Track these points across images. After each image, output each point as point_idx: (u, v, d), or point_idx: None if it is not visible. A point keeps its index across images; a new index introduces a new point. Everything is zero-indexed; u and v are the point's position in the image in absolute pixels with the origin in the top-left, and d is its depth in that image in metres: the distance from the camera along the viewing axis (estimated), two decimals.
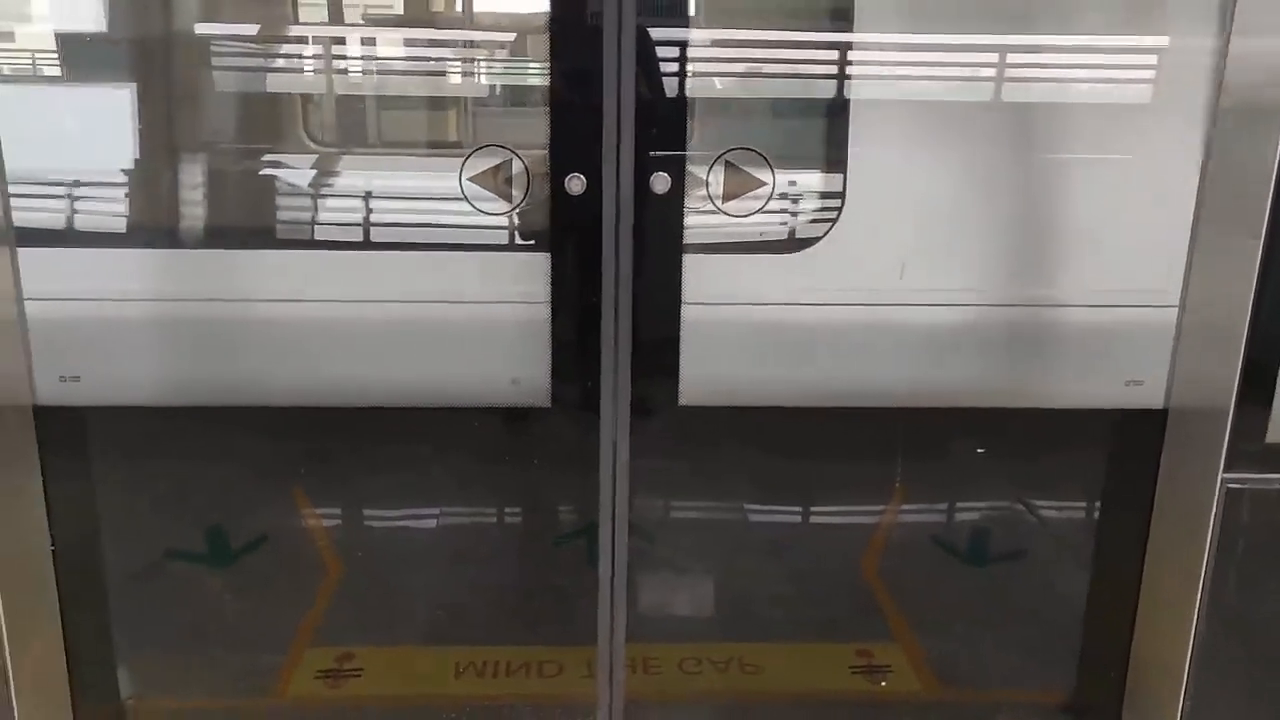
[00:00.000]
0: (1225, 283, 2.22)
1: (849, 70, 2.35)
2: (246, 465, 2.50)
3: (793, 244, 2.43)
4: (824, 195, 2.44)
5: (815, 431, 2.51)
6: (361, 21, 2.67)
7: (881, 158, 2.34)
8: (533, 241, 2.35)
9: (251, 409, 2.38)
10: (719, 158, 2.30)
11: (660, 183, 2.24)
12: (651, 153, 2.25)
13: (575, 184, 2.22)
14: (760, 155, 2.33)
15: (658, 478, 2.51)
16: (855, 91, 2.35)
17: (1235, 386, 2.20)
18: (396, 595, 2.62)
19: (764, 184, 2.34)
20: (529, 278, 2.33)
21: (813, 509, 2.68)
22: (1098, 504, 2.63)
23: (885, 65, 2.37)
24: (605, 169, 2.20)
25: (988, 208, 2.38)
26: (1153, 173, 2.34)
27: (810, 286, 2.41)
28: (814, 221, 2.42)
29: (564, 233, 2.30)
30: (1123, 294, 2.42)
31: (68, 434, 2.30)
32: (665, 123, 2.26)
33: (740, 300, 2.41)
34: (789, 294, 2.41)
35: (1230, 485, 2.25)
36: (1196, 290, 2.32)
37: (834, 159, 2.38)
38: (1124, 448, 2.51)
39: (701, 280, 2.36)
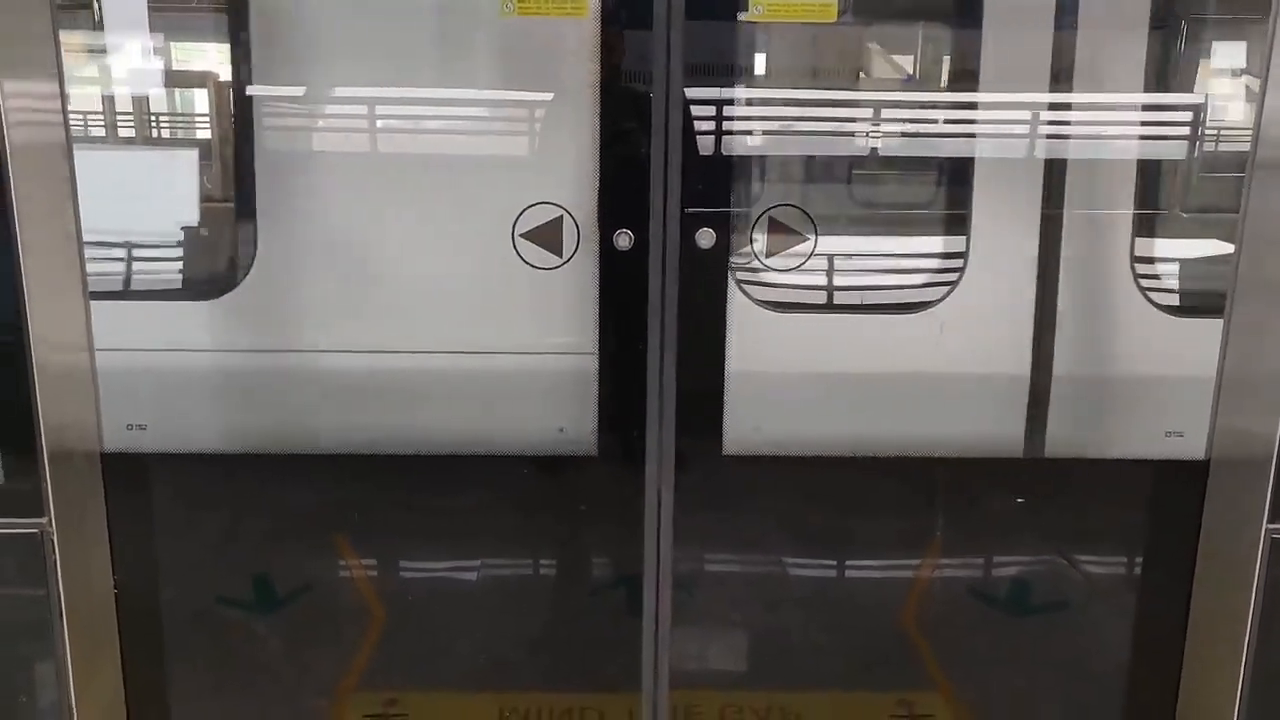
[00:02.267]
0: (1266, 334, 2.24)
1: None
2: (297, 511, 2.57)
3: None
4: None
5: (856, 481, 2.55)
6: None
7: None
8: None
9: (304, 457, 2.47)
10: None
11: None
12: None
13: (622, 240, 2.30)
14: None
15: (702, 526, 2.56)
16: None
17: (1278, 437, 2.20)
18: (442, 641, 2.66)
19: None
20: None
21: (853, 559, 2.71)
22: (1140, 556, 2.63)
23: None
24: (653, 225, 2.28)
25: None
26: None
27: None
28: None
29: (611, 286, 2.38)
30: None
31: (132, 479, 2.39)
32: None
33: None
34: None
35: (1275, 536, 2.25)
36: (1237, 341, 2.34)
37: None
38: (1165, 499, 2.51)
39: None
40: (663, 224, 2.28)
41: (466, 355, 2.53)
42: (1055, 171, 2.50)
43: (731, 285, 2.43)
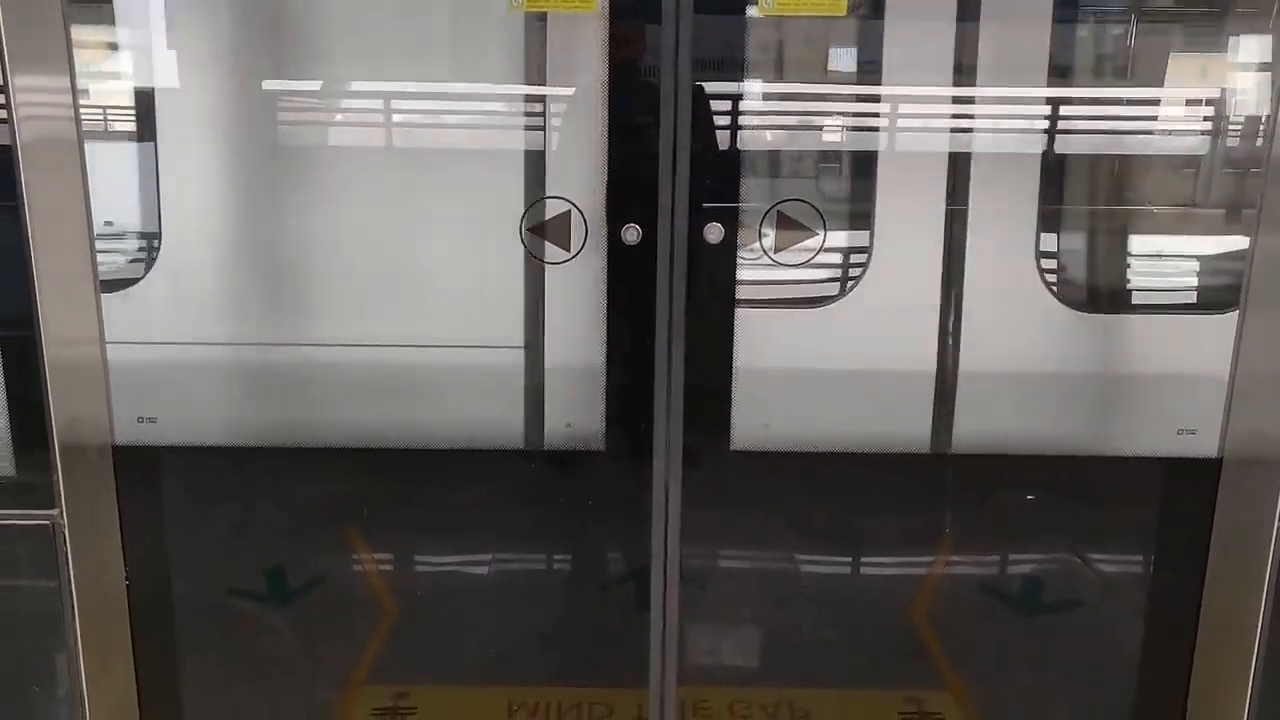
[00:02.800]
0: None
1: None
2: (308, 505, 2.58)
3: None
4: None
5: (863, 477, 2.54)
6: None
7: None
8: None
9: (308, 450, 2.48)
10: None
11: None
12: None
13: (630, 234, 2.30)
14: None
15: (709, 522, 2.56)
16: None
17: None
18: (451, 635, 2.67)
19: None
20: None
21: (865, 555, 2.70)
22: (1152, 554, 2.61)
23: None
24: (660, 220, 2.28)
25: None
26: None
27: None
28: None
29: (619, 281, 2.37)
30: None
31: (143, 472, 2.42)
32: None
33: None
34: None
35: None
36: (1251, 339, 2.32)
37: None
38: (1178, 497, 2.50)
39: None
40: (670, 219, 2.27)
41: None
42: (959, 166, 2.47)
43: None
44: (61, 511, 2.12)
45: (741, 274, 2.41)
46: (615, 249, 2.33)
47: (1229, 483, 2.39)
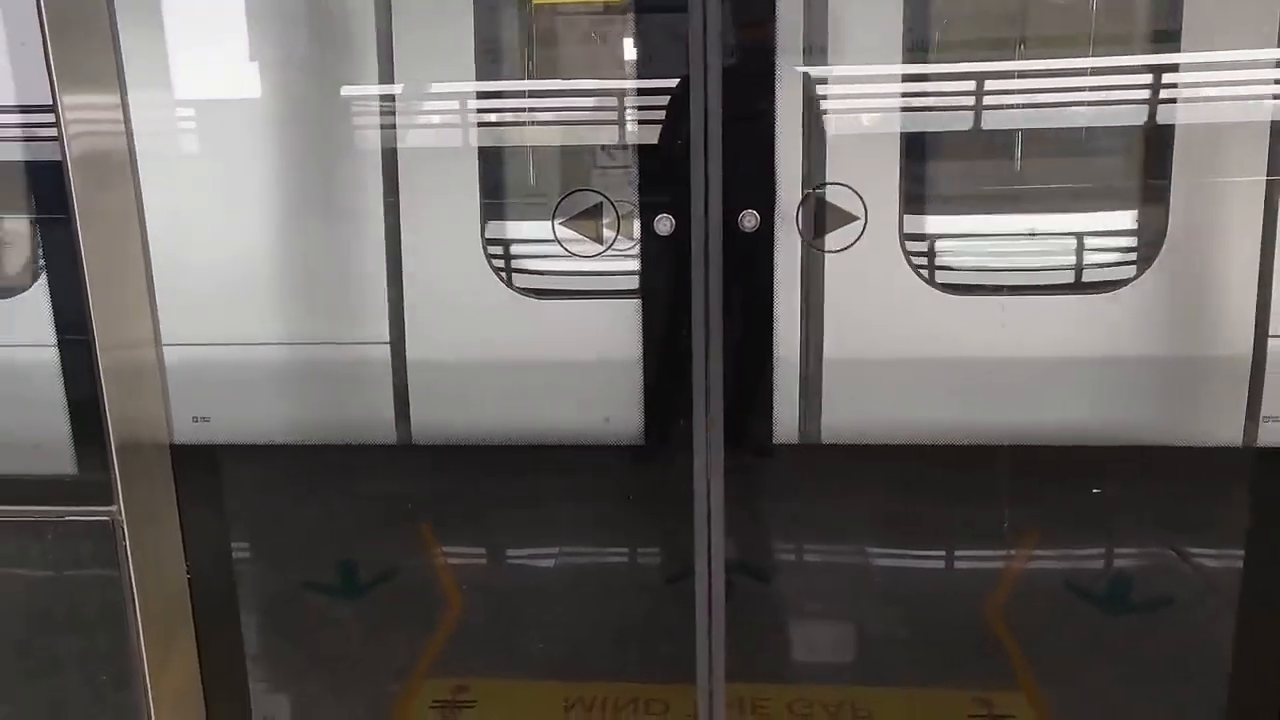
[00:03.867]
0: None
1: None
2: (361, 503, 2.62)
3: None
4: None
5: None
6: None
7: None
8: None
9: (359, 448, 2.51)
10: None
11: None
12: None
13: (663, 224, 2.26)
14: None
15: (763, 517, 2.51)
16: None
17: None
18: (510, 630, 2.68)
19: None
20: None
21: (933, 551, 2.60)
22: (1242, 547, 2.44)
23: None
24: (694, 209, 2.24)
25: None
26: None
27: None
28: None
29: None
30: None
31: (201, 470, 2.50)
32: None
33: None
34: None
35: None
36: None
37: None
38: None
39: None
40: (704, 207, 2.23)
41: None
42: None
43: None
44: (120, 508, 2.22)
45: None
46: (647, 239, 2.30)
47: None
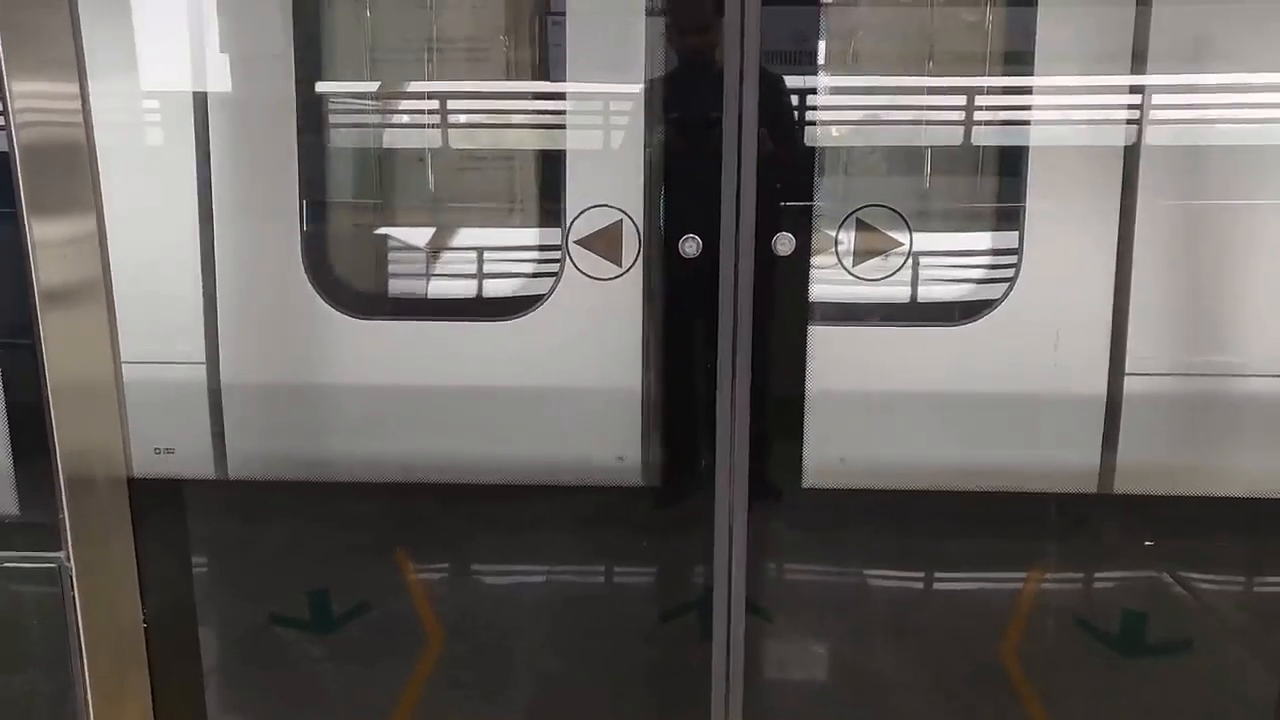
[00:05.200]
0: None
1: None
2: (339, 539, 2.42)
3: None
4: None
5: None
6: None
7: None
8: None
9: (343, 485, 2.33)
10: None
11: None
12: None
13: (690, 246, 2.06)
14: None
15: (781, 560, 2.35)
16: None
17: None
18: (500, 672, 2.49)
19: None
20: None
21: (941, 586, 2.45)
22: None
23: None
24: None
25: None
26: None
27: None
28: None
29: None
30: None
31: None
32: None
33: None
34: None
35: None
36: None
37: None
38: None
39: None
40: (734, 228, 2.03)
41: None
42: None
43: None
44: (68, 553, 1.94)
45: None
46: (671, 262, 2.10)
47: None
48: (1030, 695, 2.40)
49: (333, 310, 2.34)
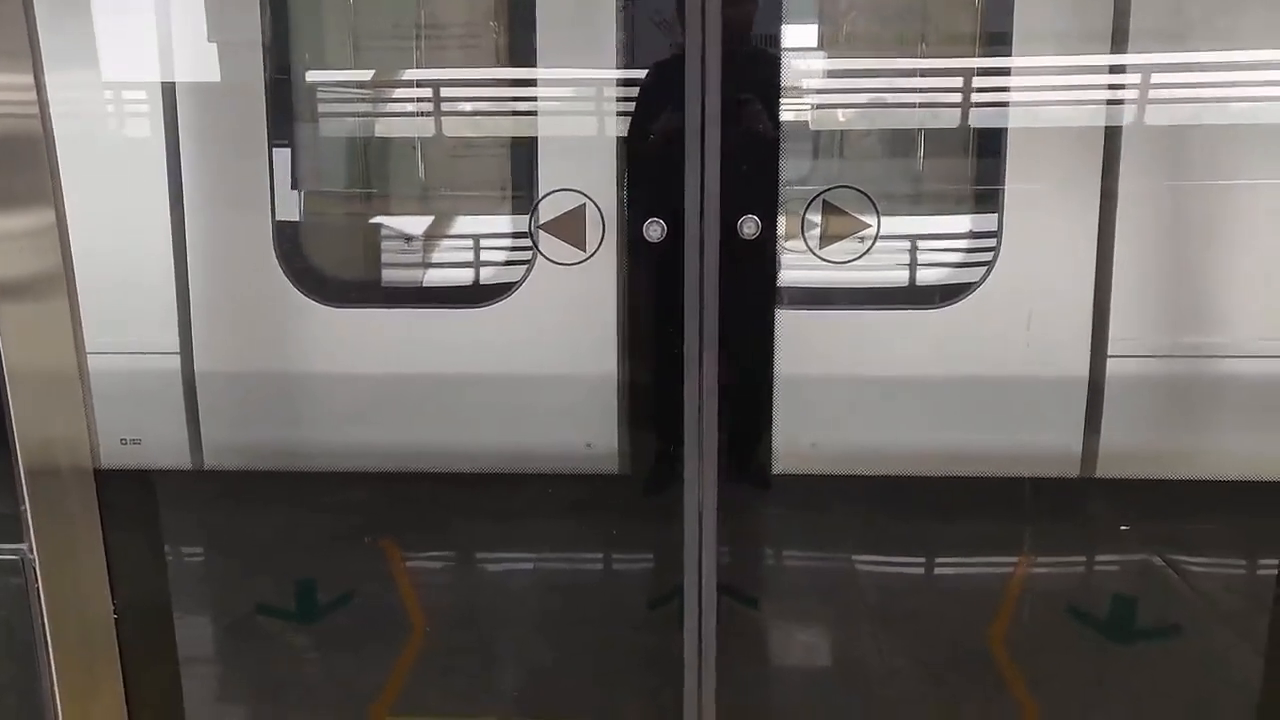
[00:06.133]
0: None
1: None
2: (313, 529, 2.41)
3: None
4: None
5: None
6: None
7: None
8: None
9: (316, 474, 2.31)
10: None
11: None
12: None
13: (654, 230, 2.04)
14: None
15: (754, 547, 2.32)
16: None
17: None
18: (478, 659, 2.48)
19: None
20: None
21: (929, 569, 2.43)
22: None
23: None
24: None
25: None
26: None
27: None
28: None
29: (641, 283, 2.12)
30: None
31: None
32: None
33: None
34: None
35: None
36: None
37: None
38: None
39: None
40: (699, 211, 2.00)
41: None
42: None
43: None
44: (31, 545, 1.94)
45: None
46: (635, 247, 2.07)
47: None
48: (1012, 680, 2.38)
49: (305, 298, 2.32)
